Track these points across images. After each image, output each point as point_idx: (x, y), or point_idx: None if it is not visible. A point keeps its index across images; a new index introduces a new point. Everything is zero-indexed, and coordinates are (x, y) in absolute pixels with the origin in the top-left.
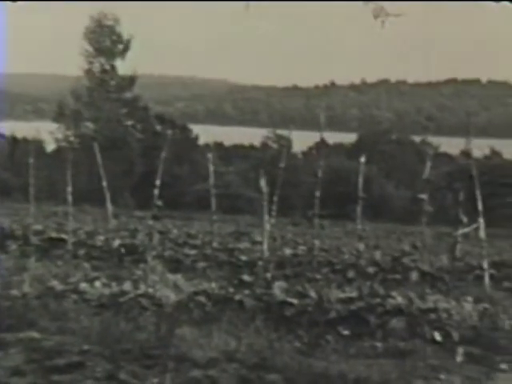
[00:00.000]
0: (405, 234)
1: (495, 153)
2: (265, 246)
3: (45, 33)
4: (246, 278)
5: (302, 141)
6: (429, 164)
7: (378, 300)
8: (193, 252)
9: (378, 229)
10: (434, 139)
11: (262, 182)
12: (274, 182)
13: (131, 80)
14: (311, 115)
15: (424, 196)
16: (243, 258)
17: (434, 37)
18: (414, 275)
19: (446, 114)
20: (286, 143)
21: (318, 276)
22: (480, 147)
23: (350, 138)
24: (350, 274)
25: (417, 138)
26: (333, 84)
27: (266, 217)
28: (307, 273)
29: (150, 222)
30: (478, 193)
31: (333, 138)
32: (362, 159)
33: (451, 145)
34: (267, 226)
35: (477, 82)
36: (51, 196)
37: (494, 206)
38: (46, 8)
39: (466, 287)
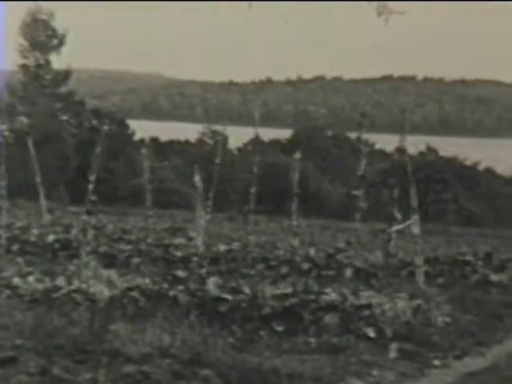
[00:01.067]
0: (340, 231)
1: (431, 149)
2: (199, 242)
3: None
4: (180, 273)
5: (237, 136)
6: (363, 161)
7: (311, 296)
8: (127, 247)
9: (313, 225)
10: (369, 136)
11: (197, 178)
12: (209, 177)
13: (66, 74)
14: (247, 111)
15: (358, 192)
16: (178, 253)
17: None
18: (348, 271)
19: (381, 110)
20: (221, 139)
21: (253, 272)
22: (415, 144)
23: (285, 133)
24: (285, 270)
25: (352, 135)
26: (269, 80)
27: (201, 212)
28: (242, 269)
29: (85, 217)
30: (412, 189)
31: (269, 133)
32: (297, 155)
33: (387, 141)
34: (202, 222)
35: (412, 78)
36: None
37: (429, 202)
38: None
39: (400, 283)
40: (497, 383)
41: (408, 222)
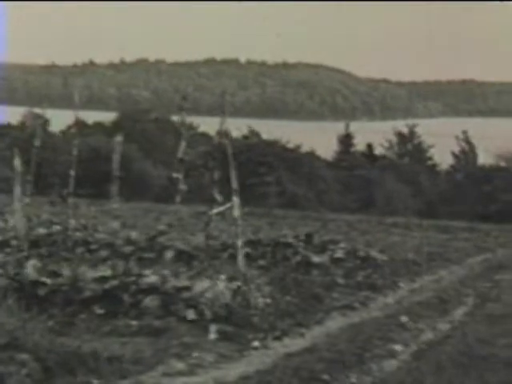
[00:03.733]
0: (163, 213)
1: (253, 132)
2: (19, 225)
3: None
4: None
5: (61, 119)
6: (183, 143)
7: (132, 279)
8: None
9: (135, 208)
10: (193, 119)
11: (16, 161)
12: (30, 160)
13: None
14: (69, 94)
15: (178, 175)
16: None
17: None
18: (169, 254)
19: (204, 93)
20: (42, 122)
21: (73, 255)
22: (238, 127)
23: (109, 116)
24: (106, 252)
25: (176, 118)
26: (91, 63)
27: (21, 196)
28: (62, 252)
29: None
30: (232, 172)
31: (92, 116)
32: (118, 138)
33: (211, 124)
34: (21, 206)
35: (235, 62)
36: None
37: (252, 185)
38: None
39: (221, 265)
40: (315, 363)
41: (228, 205)
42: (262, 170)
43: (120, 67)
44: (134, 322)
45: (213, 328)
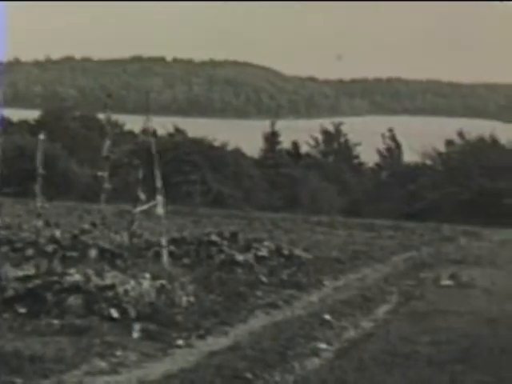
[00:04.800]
0: (87, 212)
1: (179, 131)
2: None
3: None
4: None
5: None
6: (108, 141)
7: (55, 278)
8: None
9: (59, 206)
10: (119, 117)
11: None
12: None
13: None
14: None
15: (103, 173)
16: None
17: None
18: (93, 252)
19: (130, 91)
20: None
21: None
22: (164, 125)
23: (35, 114)
24: (29, 251)
25: (102, 116)
26: (17, 60)
27: None
28: None
29: None
30: (156, 170)
31: (17, 115)
32: (41, 136)
33: (136, 122)
34: None
35: (162, 60)
36: None
37: (177, 183)
38: None
39: (145, 264)
40: (239, 362)
41: (152, 203)
42: (187, 169)
43: (46, 65)
44: (56, 321)
45: (136, 327)
